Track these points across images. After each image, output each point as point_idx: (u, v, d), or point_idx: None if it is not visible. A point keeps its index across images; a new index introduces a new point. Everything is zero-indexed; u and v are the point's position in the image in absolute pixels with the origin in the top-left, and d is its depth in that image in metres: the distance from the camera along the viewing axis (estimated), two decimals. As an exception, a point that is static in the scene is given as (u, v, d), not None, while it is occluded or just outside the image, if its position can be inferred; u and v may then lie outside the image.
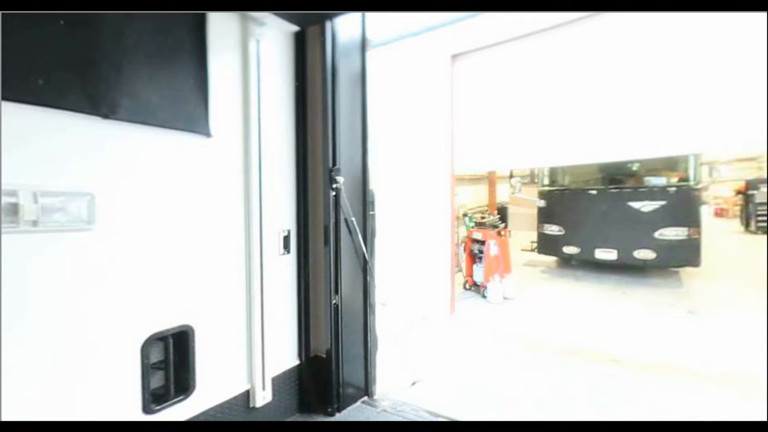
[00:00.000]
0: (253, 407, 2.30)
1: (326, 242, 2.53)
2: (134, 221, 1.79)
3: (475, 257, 5.83)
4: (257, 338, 2.30)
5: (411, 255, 4.96)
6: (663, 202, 6.26)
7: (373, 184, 2.86)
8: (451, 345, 3.91)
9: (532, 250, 8.00)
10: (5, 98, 1.39)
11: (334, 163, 2.52)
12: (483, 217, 7.18)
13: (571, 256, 7.15)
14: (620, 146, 3.62)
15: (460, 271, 6.07)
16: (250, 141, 2.26)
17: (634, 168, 7.06)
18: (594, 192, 6.95)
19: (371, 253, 2.80)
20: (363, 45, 2.74)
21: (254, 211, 2.28)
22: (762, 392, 2.80)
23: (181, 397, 1.98)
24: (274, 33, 2.41)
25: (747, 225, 12.47)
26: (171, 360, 1.96)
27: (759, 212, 11.68)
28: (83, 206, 1.60)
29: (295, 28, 2.55)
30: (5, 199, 1.40)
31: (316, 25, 2.51)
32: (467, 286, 5.94)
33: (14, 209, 1.42)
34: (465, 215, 6.77)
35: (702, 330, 4.15)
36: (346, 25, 2.60)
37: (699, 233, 6.14)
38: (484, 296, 5.50)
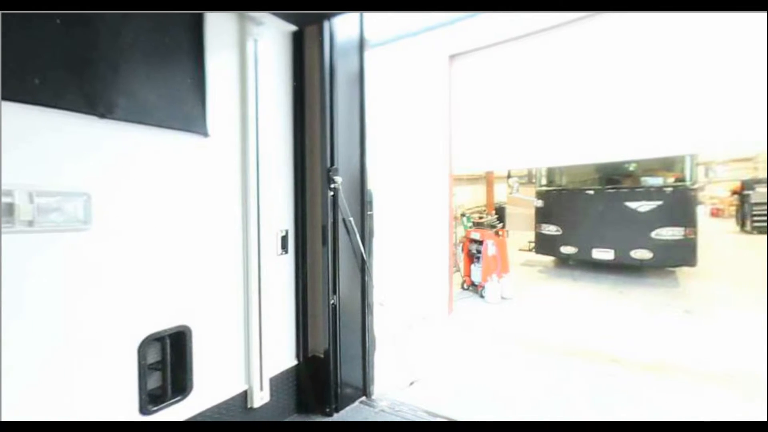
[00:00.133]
0: (251, 408, 2.30)
1: (324, 242, 2.52)
2: (131, 221, 1.78)
3: (473, 257, 5.84)
4: (255, 338, 2.30)
5: (409, 255, 4.96)
6: (659, 202, 6.29)
7: (371, 184, 2.86)
8: (450, 345, 3.91)
9: (530, 250, 8.01)
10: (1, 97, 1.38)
11: (332, 163, 2.51)
12: (481, 217, 7.21)
13: (568, 256, 7.17)
14: (617, 146, 3.64)
15: (458, 271, 6.07)
16: (247, 141, 2.25)
17: (631, 168, 7.09)
18: (591, 192, 6.97)
19: (369, 253, 2.80)
20: (361, 45, 2.74)
21: (252, 211, 2.27)
22: (760, 392, 2.82)
23: (178, 398, 1.97)
24: (271, 33, 2.40)
25: (742, 225, 12.55)
26: (168, 360, 1.95)
27: (754, 212, 11.76)
28: (79, 206, 1.60)
29: (293, 27, 2.55)
30: (1, 199, 1.39)
31: (314, 24, 2.51)
32: (465, 286, 5.95)
33: (10, 209, 1.41)
34: (463, 215, 6.79)
35: (698, 329, 4.17)
36: (344, 25, 2.59)
37: (695, 233, 6.17)
38: (482, 296, 5.51)
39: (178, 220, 1.97)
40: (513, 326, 4.42)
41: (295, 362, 2.61)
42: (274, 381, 2.43)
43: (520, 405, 2.74)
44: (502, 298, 5.44)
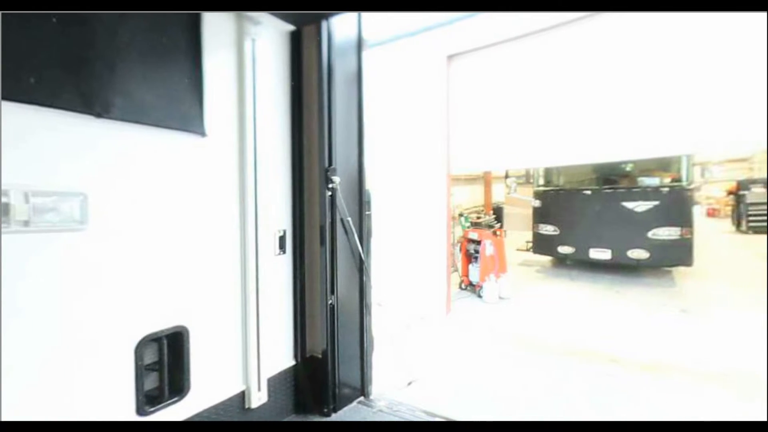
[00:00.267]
0: (249, 408, 2.29)
1: (322, 242, 2.52)
2: (128, 221, 1.77)
3: (471, 257, 5.84)
4: (252, 339, 2.29)
5: (407, 255, 4.96)
6: (656, 202, 6.32)
7: (369, 184, 2.85)
8: (448, 345, 3.91)
9: (528, 250, 8.03)
10: (-4, 96, 1.37)
11: (330, 163, 2.51)
12: (479, 217, 7.22)
13: (565, 256, 7.19)
14: (614, 147, 3.65)
15: (456, 271, 6.08)
16: (245, 140, 2.24)
17: (628, 168, 7.12)
18: (588, 192, 7.00)
19: (367, 253, 2.79)
20: (359, 45, 2.73)
21: (249, 210, 2.26)
22: (757, 391, 2.83)
23: (175, 399, 1.96)
24: (269, 32, 2.39)
25: (738, 225, 12.62)
26: (165, 361, 1.94)
27: (750, 212, 11.84)
28: (76, 206, 1.59)
29: (291, 27, 2.55)
30: (-4, 199, 1.38)
31: (312, 24, 2.50)
32: (463, 286, 5.95)
33: (5, 209, 1.40)
34: (461, 215, 6.80)
35: (695, 329, 4.19)
36: (342, 25, 2.59)
37: (691, 233, 6.20)
38: (479, 296, 5.51)
39: (176, 220, 1.96)
40: (511, 326, 4.42)
41: (293, 362, 2.60)
42: (271, 381, 2.42)
43: (519, 405, 2.74)
44: (500, 297, 5.45)
